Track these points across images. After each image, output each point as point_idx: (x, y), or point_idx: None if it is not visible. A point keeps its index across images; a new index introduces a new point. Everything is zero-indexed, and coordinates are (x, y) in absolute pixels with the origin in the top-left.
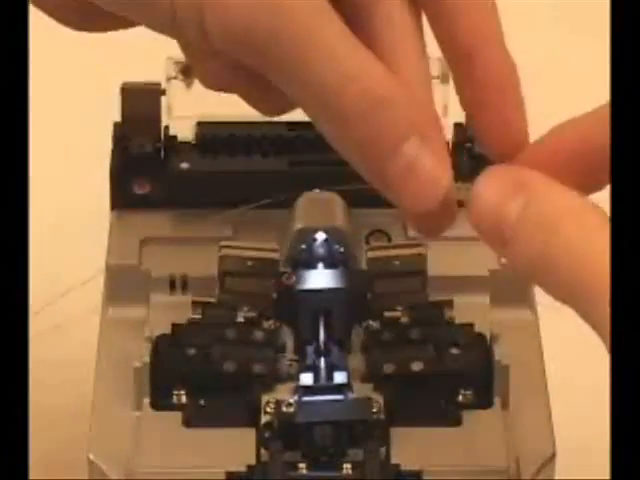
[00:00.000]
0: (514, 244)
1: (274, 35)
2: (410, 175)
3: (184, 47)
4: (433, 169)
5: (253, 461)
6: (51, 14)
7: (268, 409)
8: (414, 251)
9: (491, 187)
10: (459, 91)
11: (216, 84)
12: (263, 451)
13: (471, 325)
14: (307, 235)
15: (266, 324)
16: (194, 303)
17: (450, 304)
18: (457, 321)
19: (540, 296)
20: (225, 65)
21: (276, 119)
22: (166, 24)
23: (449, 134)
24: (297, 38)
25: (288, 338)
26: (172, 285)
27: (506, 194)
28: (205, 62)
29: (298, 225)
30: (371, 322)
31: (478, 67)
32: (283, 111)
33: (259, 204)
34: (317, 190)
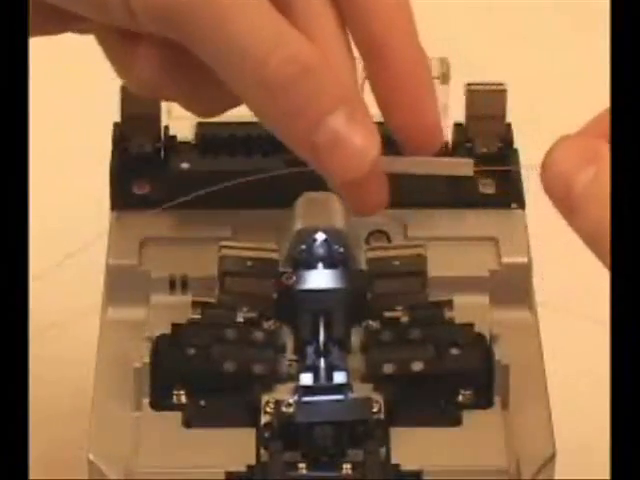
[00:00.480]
0: (577, 214)
1: (195, 9)
2: (337, 147)
3: (108, 47)
4: (361, 141)
5: (253, 461)
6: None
7: (268, 409)
8: (414, 251)
9: (565, 154)
10: (374, 90)
11: (146, 84)
12: (263, 451)
13: (471, 325)
14: (307, 235)
15: (266, 324)
16: (194, 303)
17: (450, 304)
18: (457, 321)
19: (540, 296)
20: (154, 53)
21: None
22: (96, 8)
23: (449, 134)
24: (216, 10)
25: (288, 338)
26: (172, 285)
27: (579, 164)
28: (133, 48)
29: (298, 225)
30: (371, 322)
31: (390, 64)
32: (219, 111)
33: (255, 177)
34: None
